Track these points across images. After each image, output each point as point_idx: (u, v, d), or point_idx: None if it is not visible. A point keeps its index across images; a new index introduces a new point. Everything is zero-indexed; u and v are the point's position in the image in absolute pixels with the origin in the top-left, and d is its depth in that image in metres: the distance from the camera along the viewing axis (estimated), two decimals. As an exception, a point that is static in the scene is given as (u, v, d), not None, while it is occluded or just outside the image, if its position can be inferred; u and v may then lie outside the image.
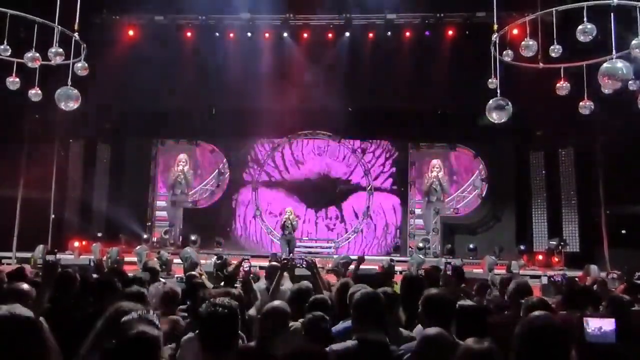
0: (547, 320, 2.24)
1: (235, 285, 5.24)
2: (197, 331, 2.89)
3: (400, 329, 3.40)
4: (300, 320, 3.43)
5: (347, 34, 14.37)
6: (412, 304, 3.77)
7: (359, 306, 2.81)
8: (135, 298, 3.17)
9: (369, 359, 2.64)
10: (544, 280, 7.47)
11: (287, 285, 4.83)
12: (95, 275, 5.41)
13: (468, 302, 3.41)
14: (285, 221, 12.32)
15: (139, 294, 3.42)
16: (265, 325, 3.02)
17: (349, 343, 2.69)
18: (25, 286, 3.37)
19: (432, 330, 2.57)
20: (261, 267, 7.37)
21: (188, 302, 4.23)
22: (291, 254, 10.69)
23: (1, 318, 1.75)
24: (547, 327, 2.16)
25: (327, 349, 2.69)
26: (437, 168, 15.26)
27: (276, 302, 3.24)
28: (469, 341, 2.54)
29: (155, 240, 15.08)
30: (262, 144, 15.98)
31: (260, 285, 5.05)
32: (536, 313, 2.34)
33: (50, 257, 6.01)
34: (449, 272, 4.70)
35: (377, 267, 8.59)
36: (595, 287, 5.73)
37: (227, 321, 2.35)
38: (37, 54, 6.70)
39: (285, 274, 4.98)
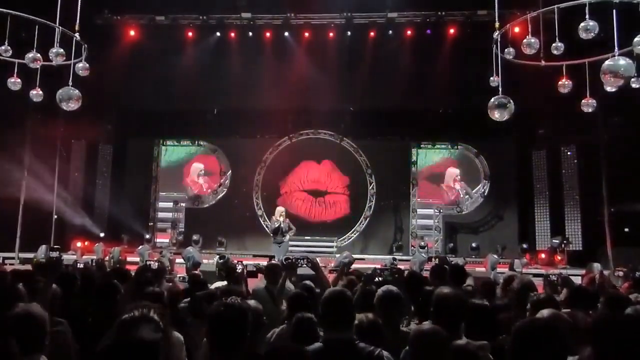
0: (550, 321, 2.23)
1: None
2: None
3: (403, 328, 3.39)
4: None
5: (348, 33, 14.35)
6: (414, 302, 3.77)
7: (323, 306, 2.78)
8: (153, 298, 3.15)
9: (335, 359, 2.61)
10: (548, 278, 7.43)
11: (287, 285, 4.76)
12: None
13: (480, 301, 3.39)
14: (274, 223, 11.32)
15: (156, 293, 3.40)
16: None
17: (317, 345, 2.67)
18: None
19: (425, 326, 2.55)
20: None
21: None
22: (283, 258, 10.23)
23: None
24: (548, 328, 2.13)
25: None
26: (458, 177, 15.32)
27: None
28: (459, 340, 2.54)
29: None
30: (263, 144, 15.94)
31: (260, 285, 4.98)
32: (545, 312, 2.32)
33: (53, 254, 5.98)
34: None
35: (379, 267, 8.55)
36: (597, 282, 5.70)
37: (237, 321, 2.31)
38: (38, 55, 6.70)
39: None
